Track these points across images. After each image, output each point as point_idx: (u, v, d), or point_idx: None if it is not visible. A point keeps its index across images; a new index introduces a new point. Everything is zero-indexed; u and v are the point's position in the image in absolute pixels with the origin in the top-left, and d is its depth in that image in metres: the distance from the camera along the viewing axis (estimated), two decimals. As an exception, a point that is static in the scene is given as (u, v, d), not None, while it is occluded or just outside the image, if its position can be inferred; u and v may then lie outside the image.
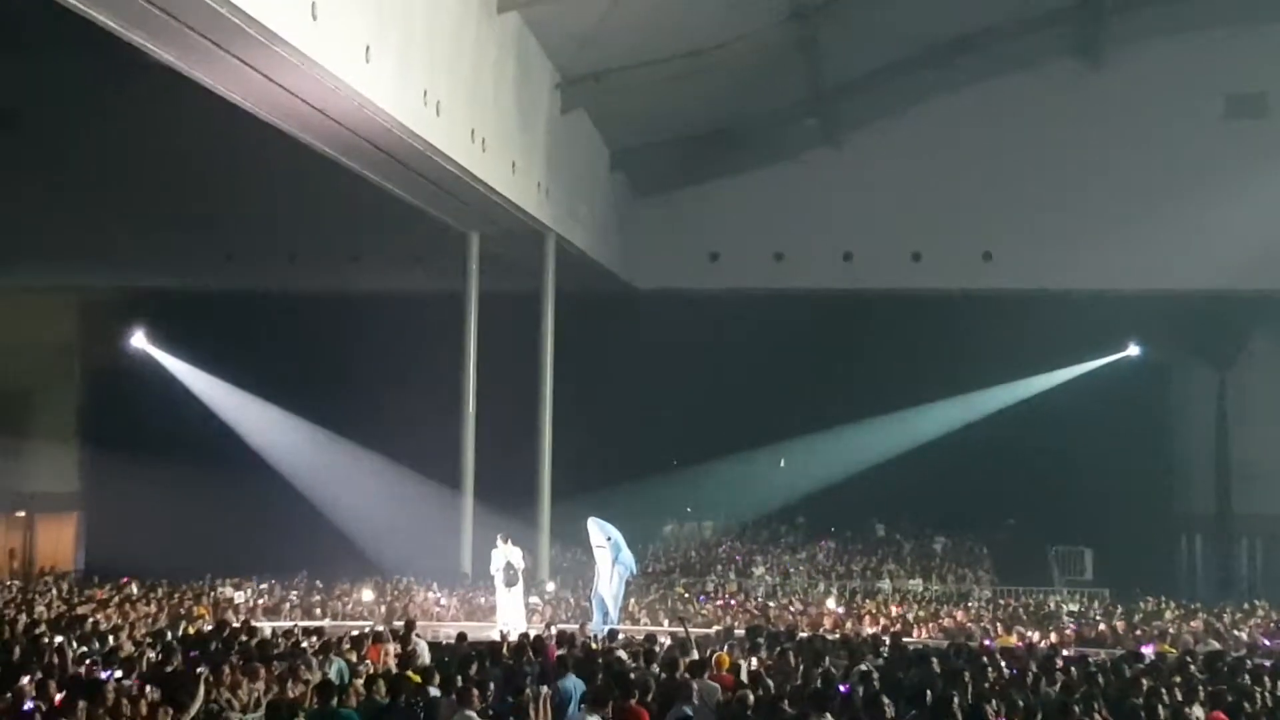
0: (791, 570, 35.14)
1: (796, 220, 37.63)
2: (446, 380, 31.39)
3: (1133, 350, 37.29)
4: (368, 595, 28.65)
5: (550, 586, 29.58)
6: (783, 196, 37.63)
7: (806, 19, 30.66)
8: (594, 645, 19.20)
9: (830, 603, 29.53)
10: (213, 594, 28.22)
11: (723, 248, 37.96)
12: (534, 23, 27.88)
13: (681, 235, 37.76)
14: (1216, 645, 22.35)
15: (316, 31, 18.89)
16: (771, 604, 29.36)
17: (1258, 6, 34.36)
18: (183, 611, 25.28)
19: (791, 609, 28.45)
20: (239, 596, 28.30)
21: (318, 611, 27.90)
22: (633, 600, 28.02)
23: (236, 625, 20.99)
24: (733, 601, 29.68)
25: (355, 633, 19.44)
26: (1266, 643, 23.81)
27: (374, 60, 20.75)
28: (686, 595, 30.68)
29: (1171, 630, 24.96)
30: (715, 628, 24.76)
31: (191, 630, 21.74)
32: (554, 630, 21.02)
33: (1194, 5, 34.65)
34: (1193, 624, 25.72)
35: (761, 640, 19.40)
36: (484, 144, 25.79)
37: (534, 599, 27.61)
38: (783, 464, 38.03)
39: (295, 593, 29.23)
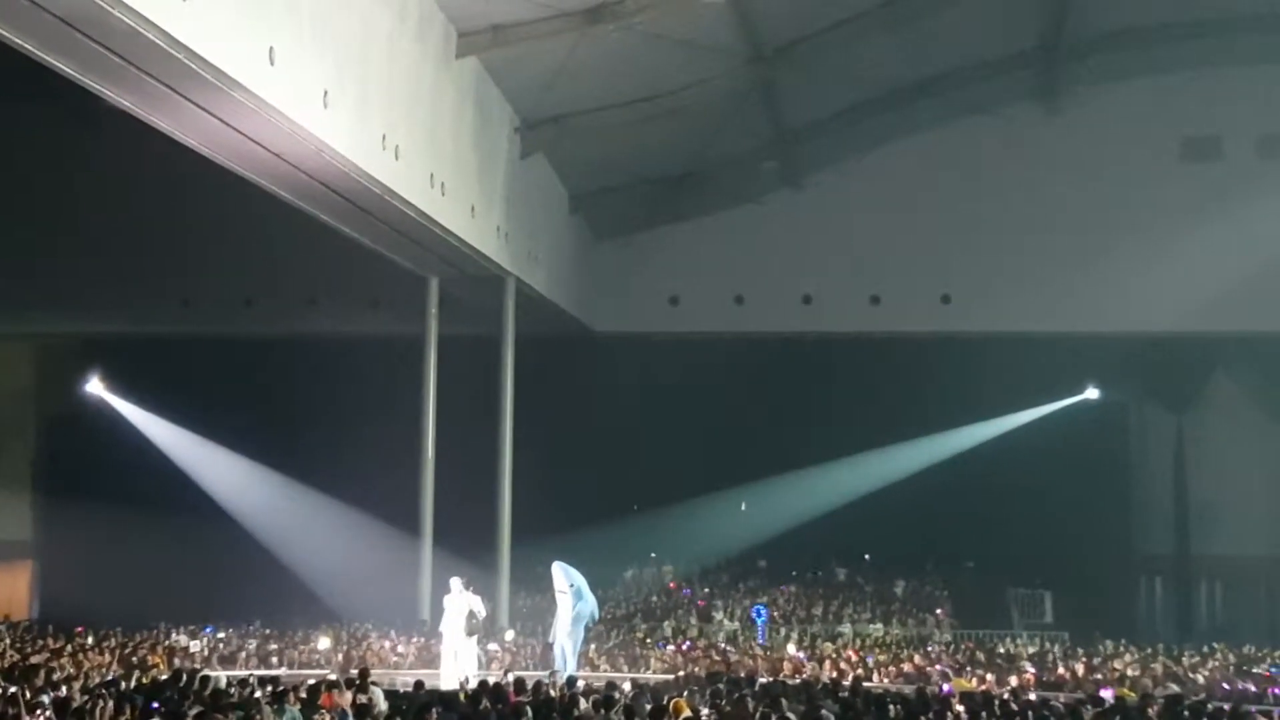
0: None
1: (756, 263, 37.78)
2: (405, 425, 31.24)
3: (1091, 393, 37.43)
4: (324, 643, 28.36)
5: (509, 635, 29.36)
6: (743, 239, 37.77)
7: (766, 62, 30.76)
8: (554, 693, 19.04)
9: (790, 648, 29.41)
10: (167, 642, 27.88)
11: (683, 291, 38.03)
12: (493, 68, 27.87)
13: (641, 278, 37.83)
14: (1176, 689, 22.35)
15: (274, 77, 18.81)
16: (732, 649, 29.20)
17: (1211, 51, 34.73)
18: (136, 660, 24.97)
19: (752, 654, 28.30)
20: (194, 645, 27.97)
21: (274, 660, 27.59)
22: (592, 646, 27.85)
23: (191, 674, 20.70)
24: (693, 647, 29.51)
25: (311, 681, 19.22)
26: (1225, 686, 23.80)
27: (332, 105, 20.68)
28: (647, 640, 30.50)
29: (1131, 674, 24.94)
30: (676, 674, 24.63)
31: (146, 679, 21.47)
32: (513, 677, 20.83)
33: (1149, 50, 34.98)
34: (1152, 667, 25.71)
35: (721, 686, 19.29)
36: (443, 188, 25.72)
37: (493, 646, 27.40)
38: (744, 508, 37.95)
39: (252, 641, 28.91)
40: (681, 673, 24.72)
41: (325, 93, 20.48)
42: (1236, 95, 35.99)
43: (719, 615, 34.69)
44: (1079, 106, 36.39)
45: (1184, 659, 27.39)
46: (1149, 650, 28.68)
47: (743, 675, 22.80)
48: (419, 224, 25.70)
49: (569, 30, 26.44)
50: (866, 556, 38.37)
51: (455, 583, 24.78)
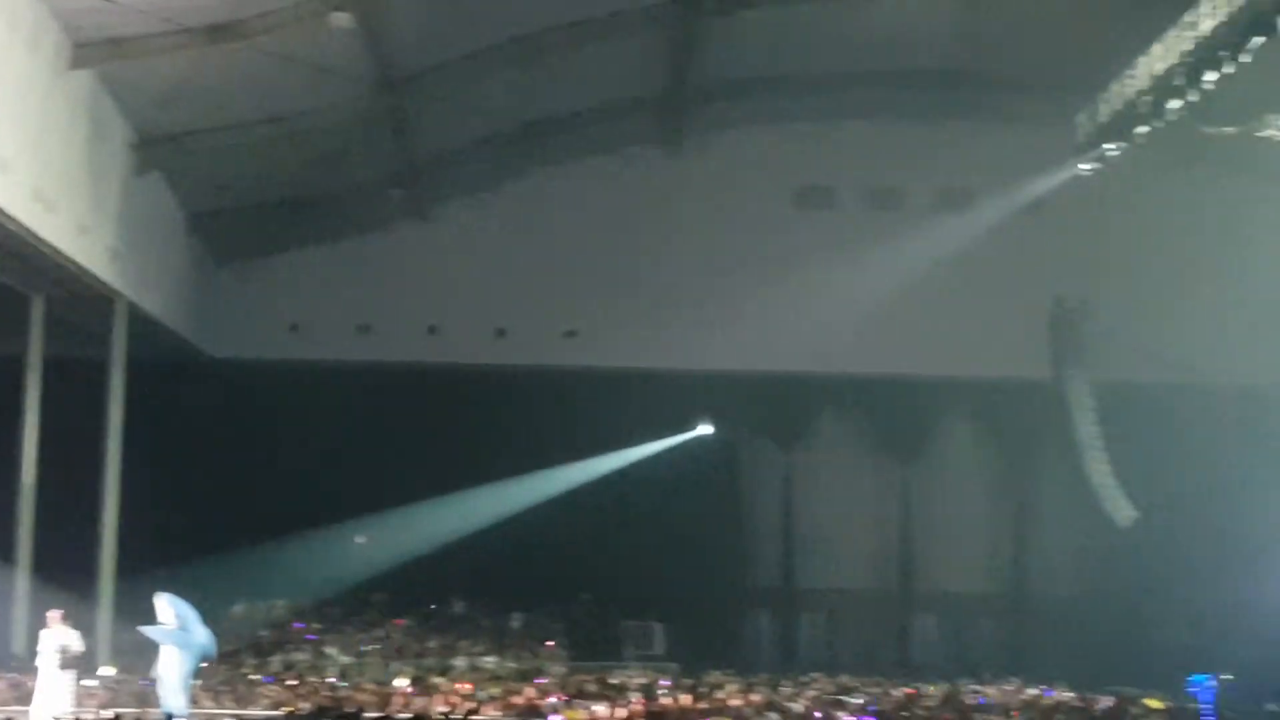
0: (365, 649, 34.50)
1: (382, 293, 37.49)
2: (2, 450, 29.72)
3: (706, 428, 38.43)
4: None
5: (109, 670, 28.16)
6: (368, 268, 37.46)
7: (395, 90, 30.64)
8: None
9: (401, 681, 29.14)
10: None
11: (304, 318, 37.35)
12: (109, 81, 26.87)
13: (262, 304, 37.04)
14: (776, 717, 23.06)
15: None
16: (343, 684, 28.76)
17: (824, 105, 36.33)
18: None
19: (363, 689, 27.93)
20: None
21: None
22: (199, 682, 26.95)
23: None
24: (303, 682, 28.94)
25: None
26: (818, 715, 24.63)
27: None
28: (254, 676, 29.75)
29: (734, 703, 25.60)
30: (283, 709, 24.09)
31: None
32: (112, 714, 20.00)
33: (768, 100, 36.36)
34: (753, 697, 26.46)
35: (327, 722, 18.96)
36: (49, 204, 24.62)
37: (91, 681, 26.23)
38: (361, 540, 37.43)
39: None
40: (290, 708, 24.20)
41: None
42: (849, 147, 37.77)
43: (331, 650, 34.09)
44: (701, 150, 37.56)
45: (784, 687, 28.32)
46: (752, 680, 29.55)
47: (352, 710, 22.47)
48: (22, 240, 24.49)
49: (191, 47, 25.80)
50: (483, 590, 38.24)
51: (52, 615, 23.64)
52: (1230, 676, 30.85)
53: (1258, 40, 23.01)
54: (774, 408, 39.42)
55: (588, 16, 30.33)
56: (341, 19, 26.06)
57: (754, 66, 34.66)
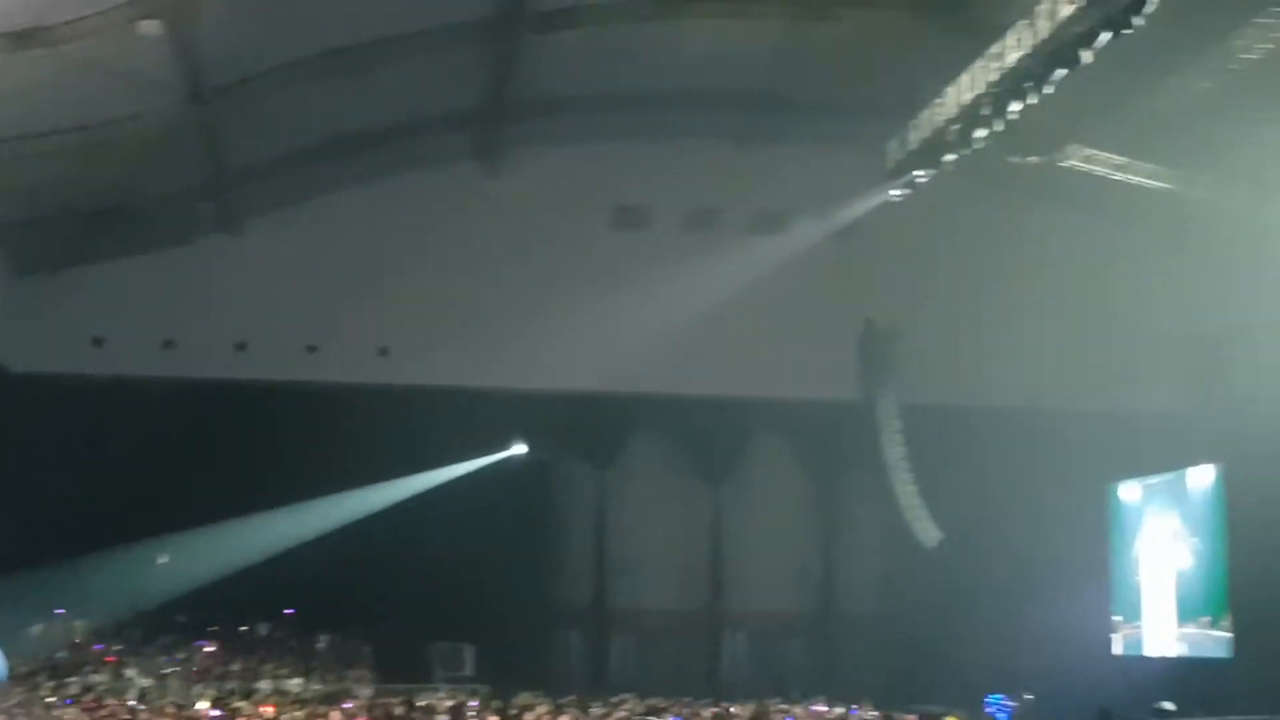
0: (166, 671, 33.71)
1: (189, 308, 36.56)
2: None
3: (520, 448, 38.28)
4: None
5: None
6: (175, 282, 36.51)
7: (206, 101, 29.99)
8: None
9: (203, 704, 28.46)
10: None
11: (108, 332, 36.30)
12: (-98, 87, 25.95)
13: (63, 318, 35.85)
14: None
15: None
16: (143, 707, 28.00)
17: (642, 125, 36.51)
18: None
19: (163, 712, 27.21)
20: None
21: None
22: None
23: None
24: (101, 705, 28.11)
25: None
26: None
27: None
28: (51, 699, 28.84)
29: (542, 725, 25.49)
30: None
31: None
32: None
33: (586, 119, 36.40)
34: (562, 718, 26.35)
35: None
36: None
37: None
38: (164, 560, 36.54)
39: None
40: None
41: None
42: (666, 168, 37.83)
43: (130, 672, 33.24)
44: (518, 168, 37.44)
45: (593, 708, 28.23)
46: (562, 701, 29.42)
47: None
48: None
49: (-7, 53, 24.98)
50: (289, 611, 37.63)
51: None
52: (1031, 696, 31.64)
53: (1060, 72, 23.64)
54: (588, 428, 39.43)
55: (404, 31, 30.04)
56: (151, 27, 25.48)
57: (572, 85, 34.64)
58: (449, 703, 29.38)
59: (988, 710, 32.42)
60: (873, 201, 33.06)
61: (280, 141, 33.84)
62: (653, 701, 30.23)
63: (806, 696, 32.64)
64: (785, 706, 30.61)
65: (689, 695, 31.95)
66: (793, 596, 40.43)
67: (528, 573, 38.05)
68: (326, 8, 28.73)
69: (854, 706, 30.55)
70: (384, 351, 37.38)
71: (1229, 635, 32.34)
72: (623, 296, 36.34)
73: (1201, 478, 33.87)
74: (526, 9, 29.85)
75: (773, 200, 37.95)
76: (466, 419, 36.68)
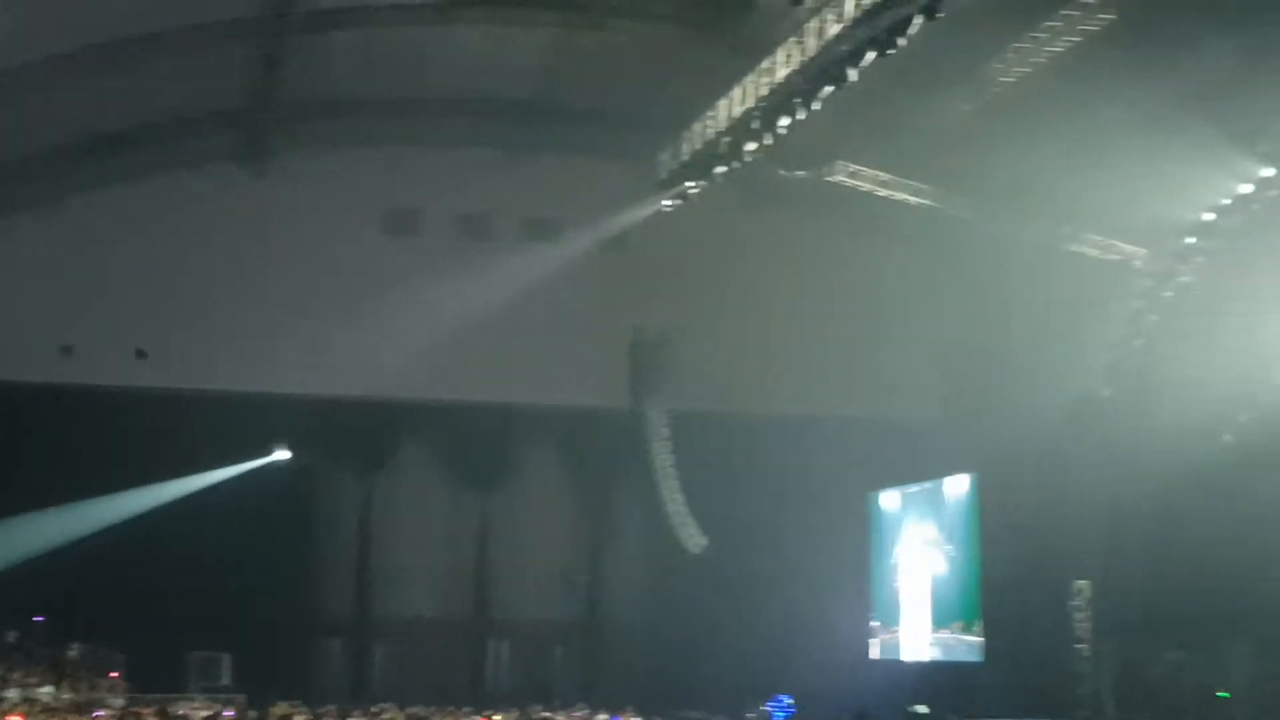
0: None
1: (-63, 307, 35.19)
2: None
3: (283, 453, 37.59)
4: None
5: None
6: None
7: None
8: None
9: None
10: None
11: None
12: None
13: None
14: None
15: None
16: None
17: (414, 130, 36.24)
18: None
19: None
20: None
21: None
22: None
23: None
24: None
25: None
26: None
27: None
28: None
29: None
30: None
31: None
32: None
33: (357, 122, 36.03)
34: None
35: None
36: None
37: None
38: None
39: None
40: None
41: None
42: (439, 174, 37.62)
43: None
44: (287, 171, 36.76)
45: (353, 718, 27.92)
46: (320, 711, 29.03)
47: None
48: None
49: None
50: (39, 619, 36.32)
51: None
52: (790, 699, 32.18)
53: (828, 89, 24.05)
54: (354, 433, 38.92)
55: (169, 27, 29.30)
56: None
57: (343, 88, 34.28)
58: (204, 713, 28.85)
59: (768, 711, 32.94)
60: (644, 211, 33.21)
61: (38, 138, 32.61)
62: (414, 710, 30.04)
63: (568, 704, 32.74)
64: (548, 714, 30.69)
65: (453, 704, 31.81)
66: (559, 604, 40.41)
67: (289, 580, 37.33)
68: (87, 1, 27.90)
69: (615, 714, 30.72)
70: (142, 354, 36.27)
71: (980, 640, 33.36)
72: (392, 302, 35.95)
73: (957, 486, 34.91)
74: (296, 8, 29.32)
75: (544, 208, 38.01)
76: (227, 424, 35.83)
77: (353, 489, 39.40)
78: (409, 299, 35.93)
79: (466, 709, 31.09)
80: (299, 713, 28.85)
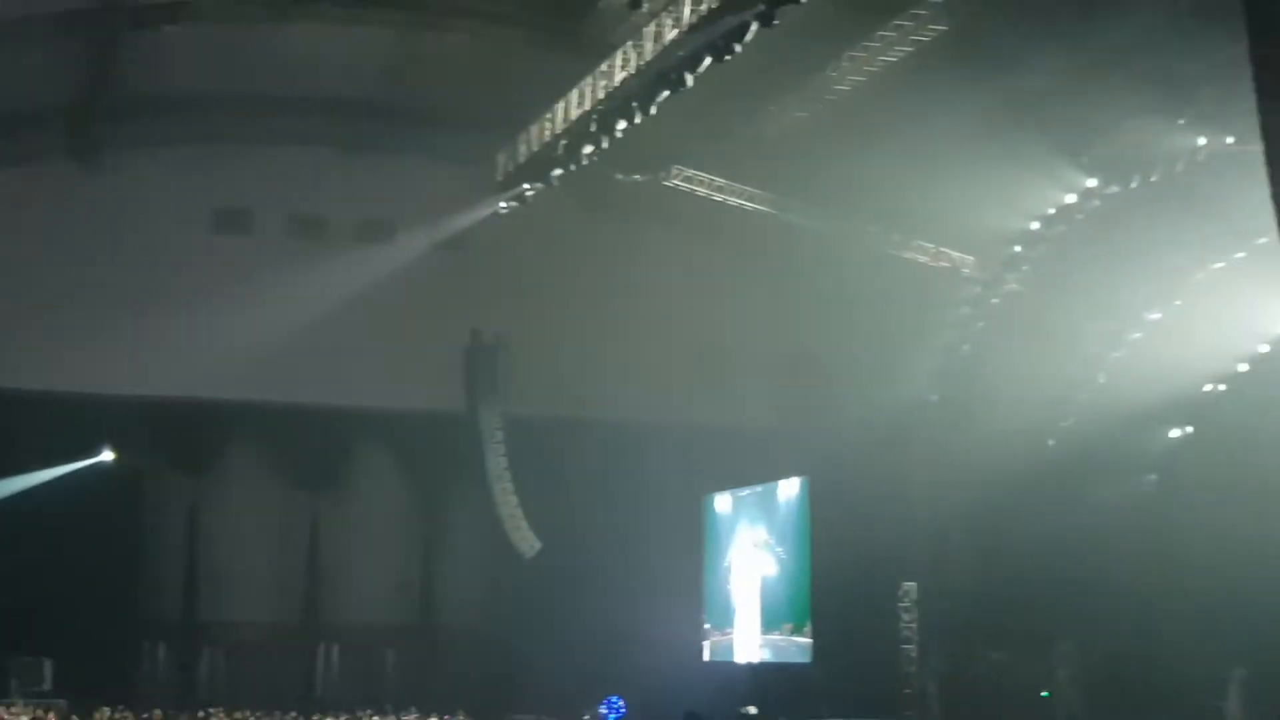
0: None
1: None
2: None
3: (107, 455, 36.73)
4: None
5: None
6: None
7: None
8: None
9: None
10: None
11: None
12: None
13: None
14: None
15: None
16: None
17: (247, 128, 35.74)
18: None
19: None
20: None
21: None
22: None
23: None
24: None
25: None
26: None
27: None
28: None
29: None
30: None
31: None
32: None
33: (186, 120, 35.38)
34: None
35: None
36: None
37: None
38: None
39: None
40: None
41: None
42: (271, 173, 37.05)
43: None
44: (117, 168, 35.89)
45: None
46: (146, 716, 28.51)
47: None
48: None
49: None
50: None
51: None
52: (621, 701, 32.30)
53: (665, 94, 24.25)
54: (180, 435, 38.09)
55: (-1, 19, 28.58)
56: None
57: (174, 84, 33.67)
58: (24, 718, 28.16)
59: (601, 713, 32.96)
60: (481, 213, 33.19)
61: None
62: (241, 715, 29.68)
63: (399, 709, 32.52)
64: (377, 719, 30.50)
65: (281, 709, 31.41)
66: (392, 608, 40.03)
67: (113, 584, 36.37)
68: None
69: (447, 717, 30.62)
70: (-40, 351, 35.27)
71: (809, 641, 33.81)
72: (223, 302, 35.46)
73: (789, 490, 35.34)
74: (126, 1, 28.76)
75: (380, 209, 37.69)
76: (52, 424, 34.99)
77: (180, 491, 38.59)
78: (240, 299, 35.46)
79: (292, 714, 30.74)
80: (123, 718, 28.30)
